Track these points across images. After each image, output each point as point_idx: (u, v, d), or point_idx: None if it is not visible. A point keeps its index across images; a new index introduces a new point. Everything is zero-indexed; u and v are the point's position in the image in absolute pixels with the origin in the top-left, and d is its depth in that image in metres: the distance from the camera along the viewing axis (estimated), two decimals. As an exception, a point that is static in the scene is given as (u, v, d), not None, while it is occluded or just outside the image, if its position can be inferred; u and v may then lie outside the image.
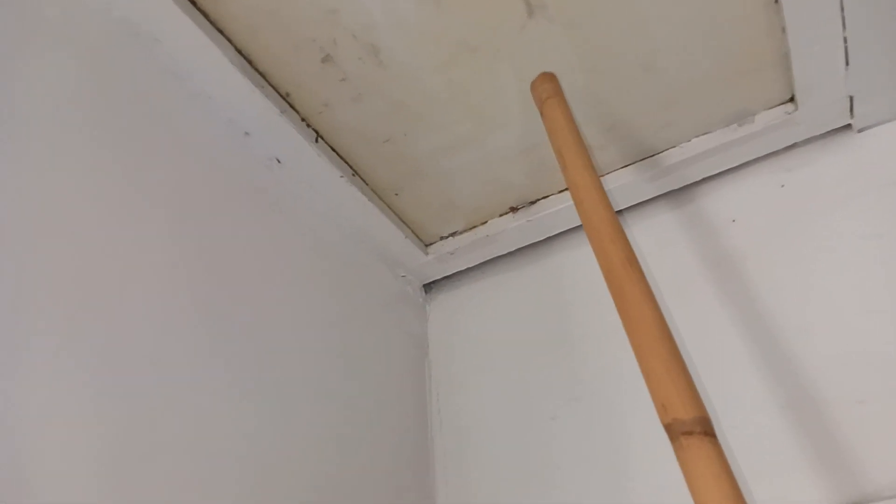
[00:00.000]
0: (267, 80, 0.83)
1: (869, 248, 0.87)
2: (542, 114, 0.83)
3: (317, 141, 0.91)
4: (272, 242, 0.87)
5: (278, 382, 0.79)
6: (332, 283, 0.96)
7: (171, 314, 0.68)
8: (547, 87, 0.84)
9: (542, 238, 1.10)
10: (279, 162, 0.90)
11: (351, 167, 0.97)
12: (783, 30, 0.83)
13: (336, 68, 0.83)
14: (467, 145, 0.97)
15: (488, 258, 1.13)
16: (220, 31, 0.78)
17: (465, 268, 1.14)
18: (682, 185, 1.02)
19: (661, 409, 0.53)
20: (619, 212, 1.06)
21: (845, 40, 0.84)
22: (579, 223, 1.06)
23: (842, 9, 0.80)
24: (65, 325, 0.58)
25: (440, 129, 0.94)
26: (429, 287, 1.18)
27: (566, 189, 1.05)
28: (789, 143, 0.97)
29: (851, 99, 0.91)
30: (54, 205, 0.61)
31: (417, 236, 1.10)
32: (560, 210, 1.05)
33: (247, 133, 0.86)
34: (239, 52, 0.80)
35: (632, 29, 0.83)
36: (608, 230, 0.64)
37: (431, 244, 1.12)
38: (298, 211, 0.93)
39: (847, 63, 0.86)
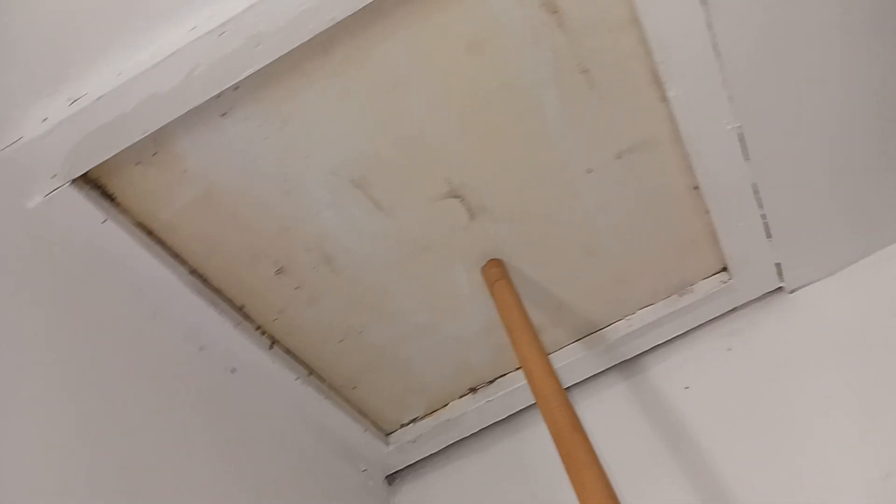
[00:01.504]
0: (222, 296, 0.84)
1: (820, 409, 0.89)
2: (492, 295, 0.88)
3: (271, 347, 0.90)
4: (228, 450, 0.84)
5: None
6: (291, 486, 0.92)
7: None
8: (495, 272, 0.90)
9: (503, 416, 1.09)
10: (234, 371, 0.89)
11: (307, 367, 0.96)
12: (707, 211, 0.90)
13: (290, 278, 0.85)
14: (423, 333, 0.98)
15: (451, 442, 1.10)
16: (175, 255, 0.79)
17: (427, 455, 1.11)
18: (632, 356, 1.05)
19: None
20: (569, 388, 1.07)
21: (763, 217, 0.91)
22: (539, 398, 1.08)
23: (755, 192, 0.88)
24: None
25: (396, 320, 0.95)
26: (392, 479, 1.13)
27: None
28: (729, 308, 1.02)
29: (779, 265, 0.98)
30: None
31: (377, 426, 1.08)
32: (520, 387, 1.05)
33: (202, 347, 0.85)
34: (194, 272, 0.81)
35: (572, 220, 0.89)
36: (555, 398, 0.69)
37: (392, 433, 1.10)
38: (254, 415, 0.91)
39: (769, 236, 0.93)
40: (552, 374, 0.73)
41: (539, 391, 0.71)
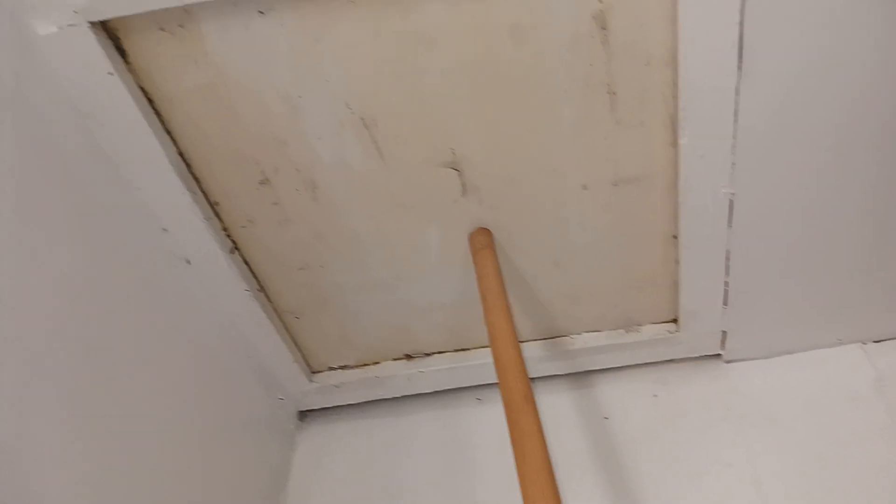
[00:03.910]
0: (200, 186, 0.84)
1: (719, 474, 0.93)
2: (474, 260, 0.90)
3: (232, 252, 0.91)
4: (158, 335, 0.85)
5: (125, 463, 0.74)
6: (204, 393, 0.93)
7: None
8: (483, 239, 0.92)
9: (429, 391, 1.11)
10: (189, 262, 0.89)
11: (259, 283, 0.97)
12: (677, 262, 0.93)
13: (271, 192, 0.86)
14: (379, 289, 0.99)
15: (373, 399, 1.12)
16: (168, 131, 0.79)
17: (346, 403, 1.13)
18: (563, 373, 1.08)
19: None
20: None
21: (726, 284, 0.94)
22: (468, 384, 1.10)
23: (727, 258, 0.91)
24: None
25: (357, 269, 0.96)
26: (304, 415, 1.15)
27: (461, 350, 1.09)
28: (667, 358, 1.06)
29: (724, 333, 1.01)
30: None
31: (307, 361, 1.10)
32: (453, 368, 1.08)
33: (164, 229, 0.85)
34: (181, 154, 0.81)
35: (552, 228, 0.91)
36: (514, 368, 0.72)
37: (319, 372, 1.12)
38: (193, 312, 0.92)
39: (725, 303, 0.96)
40: (516, 346, 0.75)
41: (500, 358, 0.74)
